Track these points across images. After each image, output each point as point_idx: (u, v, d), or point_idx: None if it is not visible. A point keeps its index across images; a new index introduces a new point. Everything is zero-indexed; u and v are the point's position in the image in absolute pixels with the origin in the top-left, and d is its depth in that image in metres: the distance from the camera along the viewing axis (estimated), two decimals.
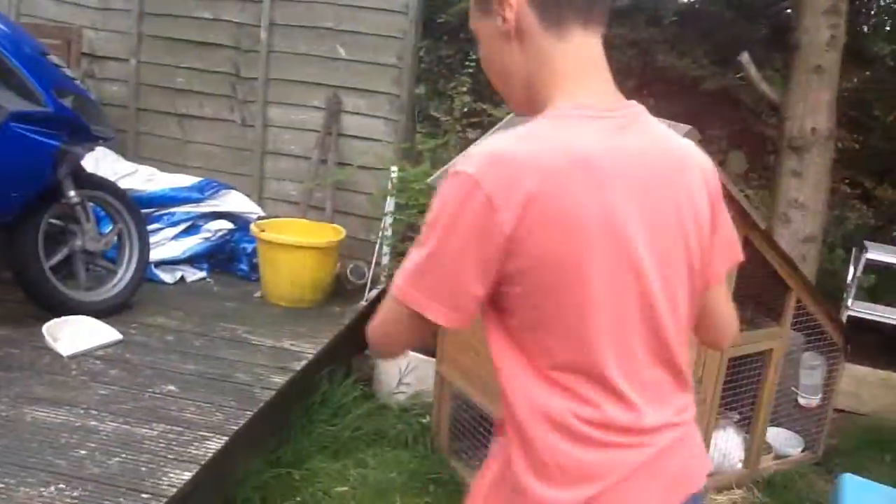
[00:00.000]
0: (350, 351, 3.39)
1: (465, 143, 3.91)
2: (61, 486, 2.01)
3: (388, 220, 3.69)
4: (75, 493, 1.98)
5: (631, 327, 1.03)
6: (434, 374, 2.87)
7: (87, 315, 2.98)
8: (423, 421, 2.97)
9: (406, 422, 2.98)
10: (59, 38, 3.78)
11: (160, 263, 3.60)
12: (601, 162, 0.98)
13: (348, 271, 3.68)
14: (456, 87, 4.35)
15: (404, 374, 3.05)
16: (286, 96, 4.03)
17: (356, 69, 3.93)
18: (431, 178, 2.99)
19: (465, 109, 4.33)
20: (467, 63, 4.21)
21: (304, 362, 2.92)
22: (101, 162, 3.70)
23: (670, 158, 1.08)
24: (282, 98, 4.04)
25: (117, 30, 4.11)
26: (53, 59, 2.91)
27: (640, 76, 5.29)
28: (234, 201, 3.92)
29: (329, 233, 3.64)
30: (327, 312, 3.48)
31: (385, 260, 3.72)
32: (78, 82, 3.01)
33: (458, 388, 2.73)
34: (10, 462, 2.09)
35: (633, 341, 1.04)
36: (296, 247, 3.43)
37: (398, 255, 3.56)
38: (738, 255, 1.19)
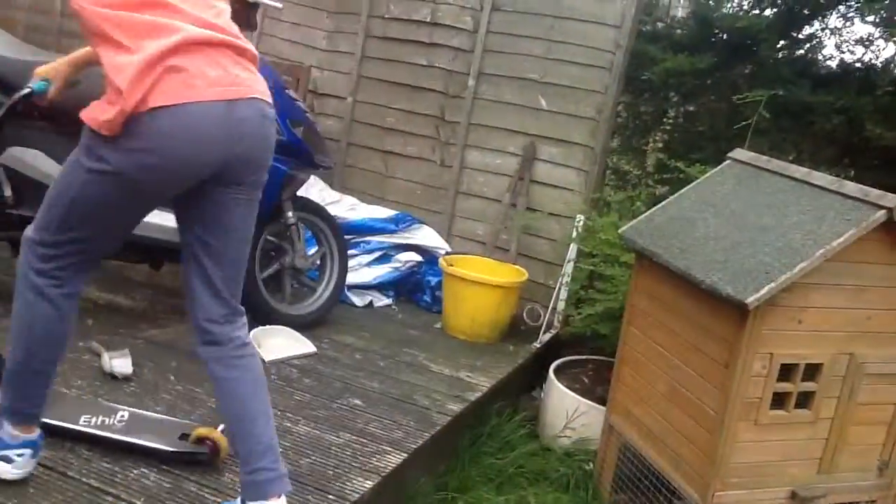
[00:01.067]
0: (519, 389, 3.48)
1: (654, 199, 3.93)
2: None
3: (570, 266, 3.77)
4: None
5: None
6: (602, 422, 2.90)
7: (288, 326, 3.26)
8: (587, 467, 2.99)
9: (569, 466, 3.01)
10: (291, 75, 4.19)
11: (352, 287, 3.86)
12: None
13: (525, 312, 3.79)
14: (650, 143, 4.39)
15: (571, 419, 3.09)
16: (485, 141, 4.23)
17: (554, 119, 4.07)
18: (621, 229, 3.04)
19: (657, 165, 4.34)
20: (664, 121, 4.25)
21: (478, 394, 3.04)
22: (310, 188, 4.05)
23: None
24: (481, 142, 4.24)
25: (340, 70, 4.50)
26: (290, 92, 3.25)
27: (843, 145, 5.08)
28: (425, 236, 4.14)
29: (512, 274, 3.77)
30: (502, 350, 3.59)
31: (561, 305, 3.79)
32: (308, 115, 3.33)
33: (627, 439, 2.74)
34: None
35: None
36: (480, 284, 3.58)
37: (577, 301, 3.63)
38: None
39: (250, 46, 1.86)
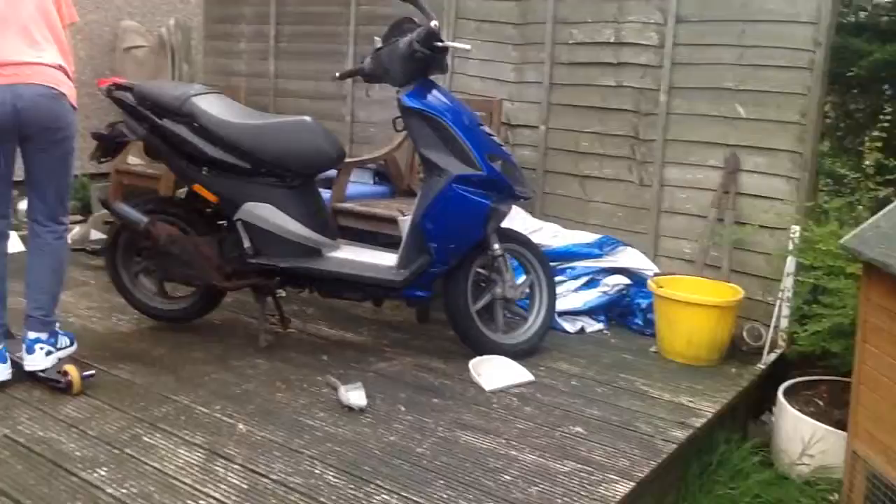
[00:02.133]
0: (746, 414, 3.35)
1: (878, 203, 3.66)
2: None
3: (789, 281, 3.59)
4: None
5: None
6: (845, 449, 2.73)
7: (504, 356, 3.35)
8: (831, 498, 2.82)
9: (810, 496, 2.85)
10: (484, 110, 4.31)
11: (563, 313, 3.89)
12: None
13: (745, 332, 3.65)
14: (865, 142, 4.10)
15: (809, 446, 2.94)
16: (684, 156, 4.14)
17: (756, 127, 3.91)
18: (844, 238, 2.87)
19: (878, 166, 4.05)
20: (880, 117, 3.96)
21: (702, 419, 2.96)
22: (512, 219, 4.14)
23: None
24: (679, 158, 4.15)
25: (530, 100, 4.58)
26: (486, 128, 3.37)
27: None
28: (631, 258, 4.11)
29: (727, 292, 3.65)
30: (723, 372, 3.48)
31: (784, 323, 3.62)
32: (505, 148, 3.44)
33: (874, 468, 2.55)
34: (450, 477, 2.43)
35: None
36: (694, 304, 3.50)
37: (802, 317, 3.45)
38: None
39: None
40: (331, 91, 5.23)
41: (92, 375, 3.04)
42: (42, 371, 3.01)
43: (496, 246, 3.35)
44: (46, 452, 2.50)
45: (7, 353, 3.02)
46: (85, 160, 6.44)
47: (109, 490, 2.29)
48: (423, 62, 3.21)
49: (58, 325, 3.14)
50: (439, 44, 3.19)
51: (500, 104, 4.53)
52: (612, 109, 4.33)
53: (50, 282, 3.07)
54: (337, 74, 3.59)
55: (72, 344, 3.24)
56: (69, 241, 3.21)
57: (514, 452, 2.61)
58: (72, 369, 2.96)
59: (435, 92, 3.29)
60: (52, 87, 2.86)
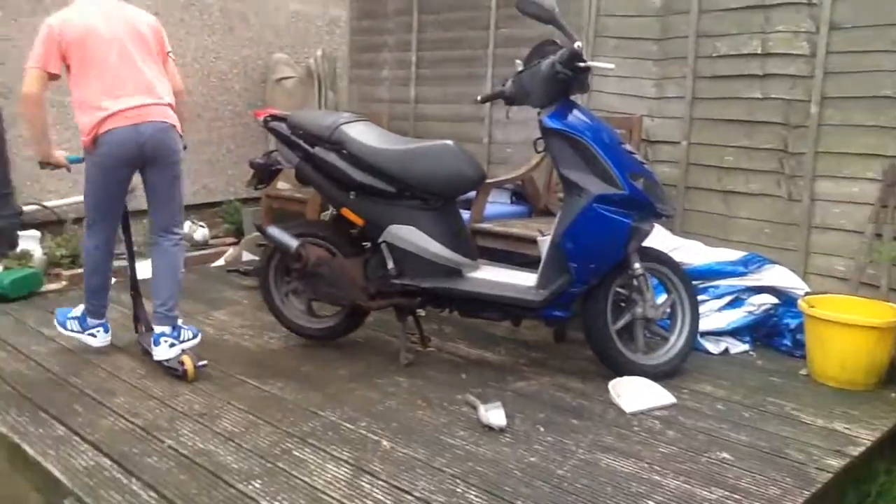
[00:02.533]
0: None
1: None
2: None
3: None
4: None
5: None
6: None
7: (644, 377, 3.29)
8: None
9: None
10: (623, 127, 4.27)
11: (705, 334, 3.78)
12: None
13: None
14: None
15: None
16: (837, 169, 3.94)
17: None
18: None
19: None
20: None
21: (860, 448, 2.79)
22: (652, 237, 4.06)
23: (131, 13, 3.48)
24: (832, 171, 3.95)
25: (671, 116, 4.50)
26: (627, 146, 3.34)
27: None
28: (779, 276, 3.94)
29: (886, 312, 3.43)
30: (882, 397, 3.27)
31: None
32: (646, 166, 3.39)
33: None
34: (592, 501, 2.41)
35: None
36: (849, 325, 3.31)
37: None
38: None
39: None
40: (469, 114, 5.33)
41: (205, 365, 3.47)
42: (165, 361, 3.49)
43: (637, 265, 3.31)
44: (206, 464, 2.67)
45: (109, 325, 3.83)
46: (238, 186, 6.92)
47: (263, 502, 2.41)
48: (564, 83, 3.23)
49: (180, 320, 3.66)
50: (582, 64, 3.20)
51: (640, 120, 4.47)
52: (759, 122, 4.19)
53: (170, 282, 3.62)
54: (479, 98, 3.66)
55: (195, 337, 3.65)
56: (183, 251, 3.83)
57: (657, 477, 2.56)
58: (187, 359, 3.42)
59: (576, 112, 3.30)
60: (165, 122, 3.46)
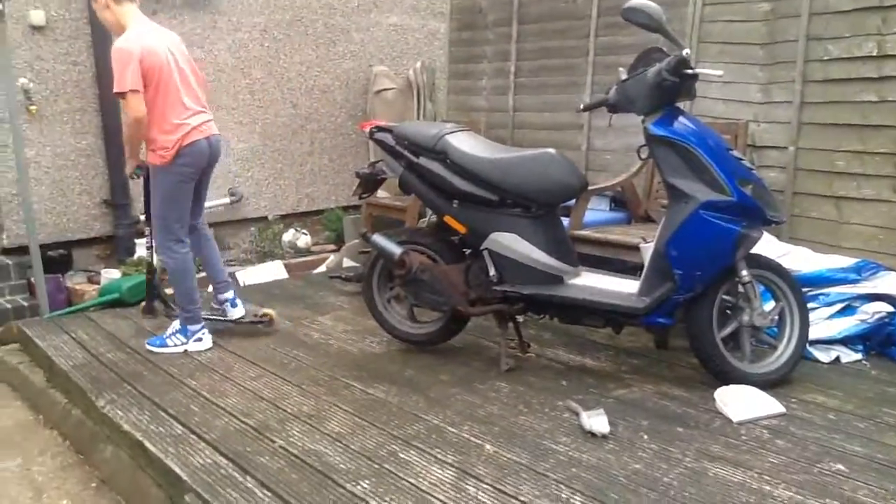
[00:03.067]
0: None
1: None
2: None
3: None
4: None
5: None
6: None
7: (751, 386, 3.21)
8: None
9: None
10: (728, 133, 4.19)
11: (815, 342, 3.66)
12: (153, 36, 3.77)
13: None
14: None
15: None
16: None
17: None
18: None
19: None
20: None
21: None
22: (758, 244, 3.96)
23: (172, 36, 3.92)
24: None
25: (778, 120, 4.38)
26: (735, 152, 3.28)
27: None
28: (894, 283, 3.78)
29: None
30: None
31: None
32: (755, 172, 3.32)
33: None
34: None
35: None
36: None
37: None
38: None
39: None
40: (567, 122, 5.33)
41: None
42: (242, 318, 4.27)
43: (745, 272, 3.24)
44: (316, 464, 2.76)
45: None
46: (339, 195, 7.10)
47: (373, 502, 2.48)
48: (671, 90, 3.20)
49: None
50: (689, 72, 3.17)
51: (746, 126, 4.37)
52: (873, 126, 4.03)
53: (219, 257, 4.35)
54: (581, 106, 3.66)
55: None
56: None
57: (767, 488, 2.51)
58: (268, 311, 4.26)
59: (681, 119, 3.26)
60: (219, 134, 4.05)
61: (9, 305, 5.27)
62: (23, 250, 5.41)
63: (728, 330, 3.32)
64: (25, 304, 5.29)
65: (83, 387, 3.62)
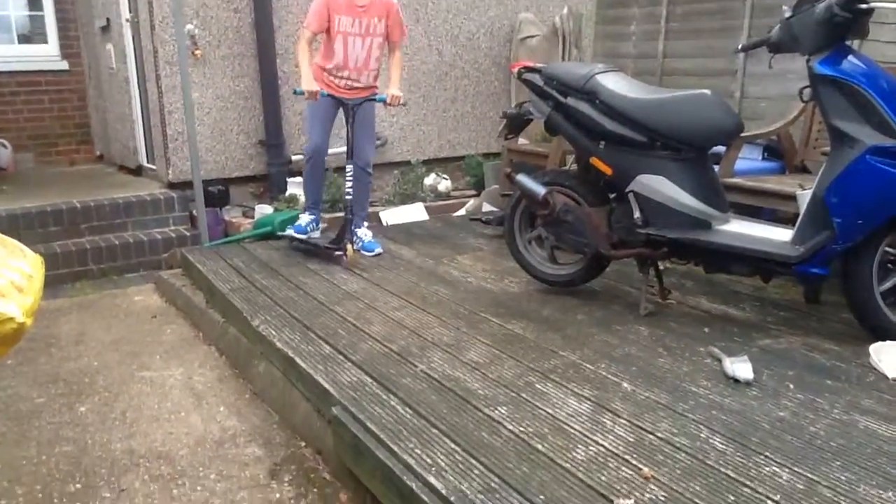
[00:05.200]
0: None
1: None
2: None
3: None
4: None
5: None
6: None
7: None
8: None
9: None
10: None
11: None
12: None
13: None
14: None
15: None
16: None
17: None
18: None
19: None
20: None
21: None
22: None
23: None
24: None
25: None
26: None
27: None
28: None
29: None
30: None
31: None
32: None
33: None
34: (848, 460, 2.30)
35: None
36: None
37: None
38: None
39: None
40: (720, 68, 5.12)
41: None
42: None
43: None
44: (455, 388, 2.85)
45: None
46: (479, 141, 7.15)
47: (509, 426, 2.55)
48: (841, 27, 3.01)
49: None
50: (864, 6, 2.97)
51: None
52: None
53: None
54: (739, 47, 3.51)
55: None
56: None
57: None
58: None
59: (851, 58, 3.07)
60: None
61: (173, 235, 5.68)
62: (186, 185, 5.80)
63: (889, 284, 3.14)
64: (188, 233, 5.69)
65: (240, 308, 3.87)
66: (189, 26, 5.74)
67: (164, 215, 5.79)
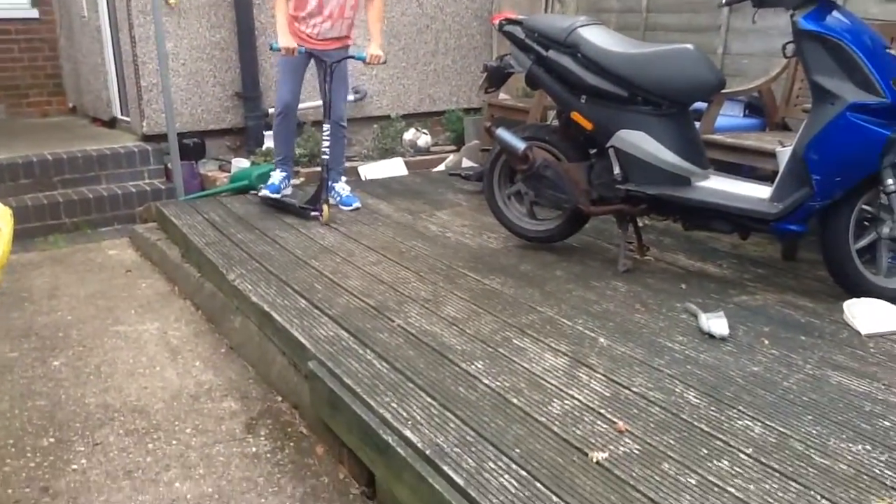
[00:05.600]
0: None
1: None
2: (867, 447, 2.15)
3: None
4: (882, 457, 2.10)
5: None
6: None
7: (883, 299, 3.06)
8: None
9: None
10: (885, 35, 3.87)
11: None
12: None
13: None
14: None
15: None
16: None
17: None
18: None
19: None
20: None
21: None
22: None
23: None
24: None
25: None
26: (893, 51, 3.04)
27: None
28: None
29: None
30: None
31: None
32: None
33: None
34: (819, 414, 2.33)
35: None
36: None
37: None
38: None
39: None
40: (704, 23, 5.06)
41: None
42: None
43: (890, 181, 3.02)
44: (432, 343, 2.85)
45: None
46: (460, 96, 7.08)
47: (486, 381, 2.55)
48: None
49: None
50: None
51: None
52: None
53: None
54: (724, 0, 3.46)
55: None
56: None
57: (894, 399, 2.42)
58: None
59: (835, 13, 3.03)
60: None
61: (148, 188, 5.59)
62: (161, 137, 5.69)
63: (865, 241, 3.15)
64: (163, 187, 5.60)
65: (215, 262, 3.83)
66: None
67: (138, 168, 5.69)
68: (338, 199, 4.77)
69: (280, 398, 3.01)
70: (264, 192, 4.77)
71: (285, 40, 4.40)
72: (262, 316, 3.28)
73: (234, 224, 4.45)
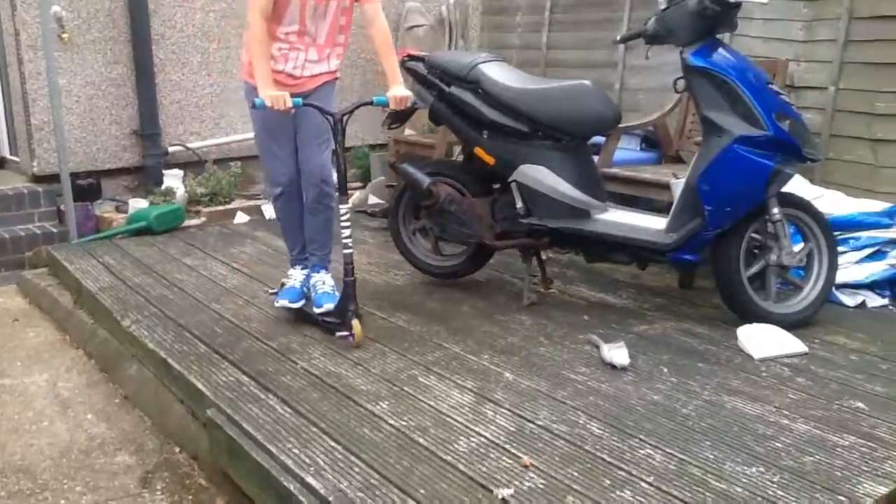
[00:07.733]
0: None
1: None
2: (761, 469, 2.21)
3: None
4: (774, 479, 2.16)
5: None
6: None
7: (775, 325, 3.18)
8: None
9: None
10: (766, 71, 4.07)
11: (841, 286, 3.60)
12: None
13: None
14: None
15: None
16: None
17: None
18: None
19: None
20: None
21: None
22: (789, 186, 3.88)
23: None
24: None
25: (820, 59, 4.25)
26: (774, 87, 3.19)
27: None
28: None
29: None
30: None
31: None
32: (794, 107, 3.23)
33: None
34: (716, 439, 2.38)
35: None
36: None
37: None
38: None
39: None
40: (601, 60, 5.21)
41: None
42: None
43: (775, 210, 3.17)
44: (337, 385, 2.80)
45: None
46: (366, 132, 7.06)
47: (391, 421, 2.51)
48: (711, 20, 3.11)
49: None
50: (732, 0, 3.07)
51: (786, 65, 4.24)
52: None
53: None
54: (618, 38, 3.57)
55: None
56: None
57: (785, 421, 2.49)
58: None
59: (721, 50, 3.17)
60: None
61: (38, 231, 5.34)
62: (53, 178, 5.46)
63: (755, 269, 3.27)
64: (55, 230, 5.35)
65: (109, 307, 3.68)
66: (55, 8, 5.39)
67: (28, 211, 5.43)
68: (314, 292, 3.49)
69: (178, 449, 2.88)
70: (283, 303, 3.49)
71: (270, 91, 3.06)
72: (158, 363, 3.15)
73: (130, 267, 4.30)
